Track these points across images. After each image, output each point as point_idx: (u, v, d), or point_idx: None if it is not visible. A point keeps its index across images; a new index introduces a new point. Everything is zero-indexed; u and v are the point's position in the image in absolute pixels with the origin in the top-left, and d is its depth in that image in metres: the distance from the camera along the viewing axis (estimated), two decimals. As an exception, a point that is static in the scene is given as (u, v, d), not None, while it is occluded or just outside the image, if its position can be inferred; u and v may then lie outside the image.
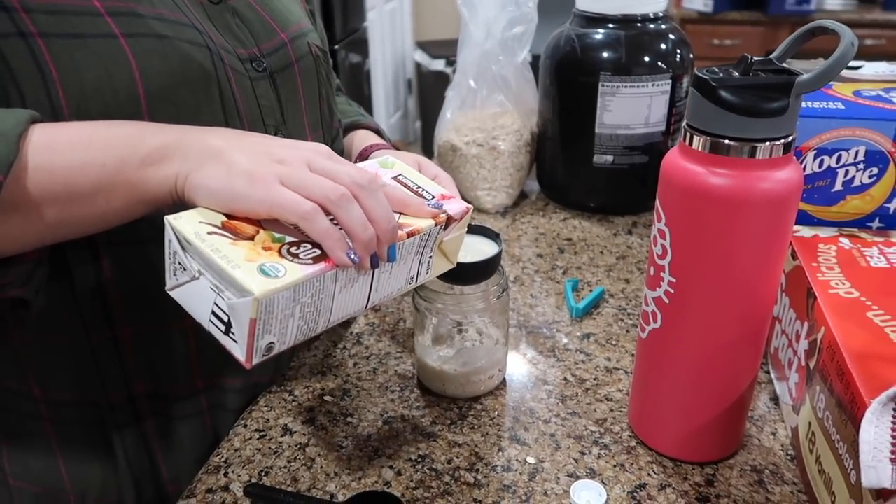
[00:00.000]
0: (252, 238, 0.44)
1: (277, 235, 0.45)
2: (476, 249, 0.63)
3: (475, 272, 0.61)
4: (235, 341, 0.43)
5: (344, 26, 2.77)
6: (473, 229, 0.64)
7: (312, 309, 0.46)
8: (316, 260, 0.44)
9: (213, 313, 0.44)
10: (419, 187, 0.54)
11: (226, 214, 0.45)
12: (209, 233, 0.44)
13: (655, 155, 0.97)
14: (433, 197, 0.54)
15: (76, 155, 0.45)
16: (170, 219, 0.44)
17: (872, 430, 0.41)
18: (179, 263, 0.45)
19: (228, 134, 0.48)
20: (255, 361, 0.44)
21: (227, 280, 0.42)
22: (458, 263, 0.57)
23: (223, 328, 0.43)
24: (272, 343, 0.44)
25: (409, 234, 0.49)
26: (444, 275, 0.57)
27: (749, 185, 0.47)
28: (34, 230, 0.46)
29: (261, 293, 0.41)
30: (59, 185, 0.45)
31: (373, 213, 0.46)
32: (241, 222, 0.45)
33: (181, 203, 0.46)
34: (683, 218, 0.49)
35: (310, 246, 0.45)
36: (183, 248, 0.44)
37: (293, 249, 0.45)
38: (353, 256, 0.45)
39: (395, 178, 0.55)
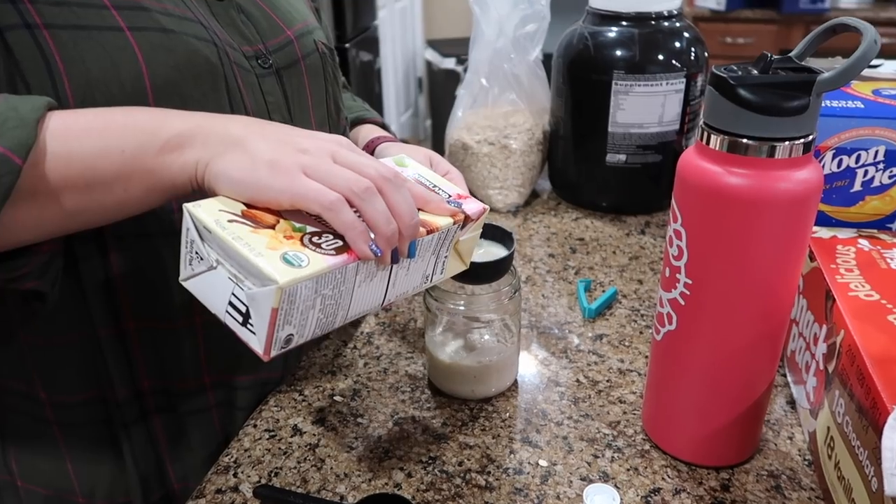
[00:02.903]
0: (273, 227, 0.44)
1: (298, 225, 0.45)
2: (488, 250, 0.62)
3: (487, 272, 0.60)
4: (253, 332, 0.42)
5: (354, 24, 2.77)
6: (486, 229, 0.63)
7: (332, 302, 0.45)
8: (338, 251, 0.44)
9: (231, 304, 0.43)
10: (435, 186, 0.54)
11: (246, 204, 0.45)
12: (229, 221, 0.43)
13: (669, 154, 0.96)
14: (449, 196, 0.53)
15: (94, 141, 0.45)
16: (188, 206, 0.43)
17: (895, 436, 0.40)
18: (196, 253, 0.44)
19: (250, 122, 0.48)
20: (273, 353, 0.43)
21: (249, 269, 0.41)
22: (471, 263, 0.57)
23: (240, 319, 0.43)
24: (291, 335, 0.44)
25: (429, 231, 0.49)
26: (457, 275, 0.57)
27: (768, 185, 0.46)
28: (51, 218, 0.46)
29: (285, 282, 0.40)
30: (76, 172, 0.44)
31: (397, 207, 0.45)
32: (261, 212, 0.45)
33: (200, 191, 0.46)
34: (700, 219, 0.49)
35: (331, 237, 0.45)
36: (201, 236, 0.43)
37: (315, 239, 0.44)
38: (374, 248, 0.44)
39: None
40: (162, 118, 0.46)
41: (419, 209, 0.49)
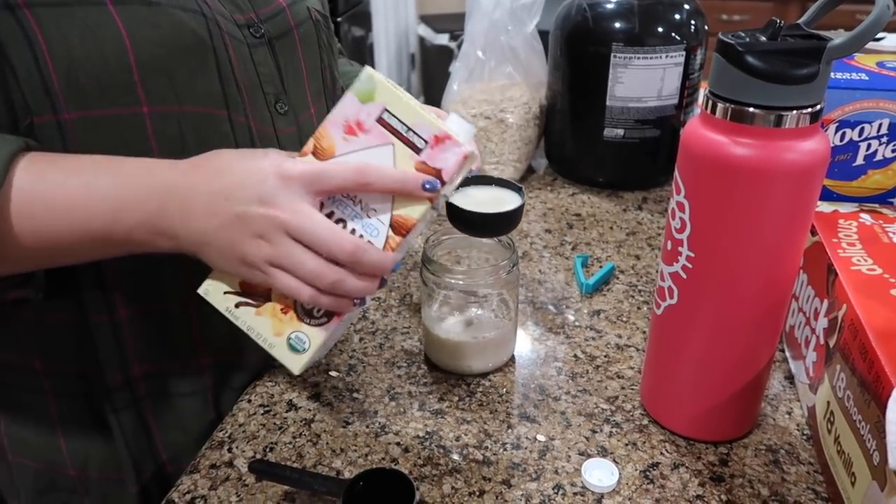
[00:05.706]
0: (268, 297, 0.52)
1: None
2: (498, 200, 0.60)
3: (498, 223, 0.59)
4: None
5: (347, -2, 2.73)
6: (496, 182, 0.62)
7: (333, 337, 0.53)
8: (328, 316, 0.51)
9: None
10: (408, 129, 0.48)
11: None
12: (236, 305, 0.52)
13: (667, 129, 0.95)
14: (425, 143, 0.48)
15: (59, 224, 0.47)
16: (201, 293, 0.52)
17: (900, 410, 0.39)
18: None
19: (205, 199, 0.47)
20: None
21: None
22: (481, 214, 0.56)
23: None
24: (319, 360, 0.55)
25: (406, 232, 0.49)
26: (468, 226, 0.57)
27: (774, 155, 0.45)
28: (22, 269, 0.50)
29: (299, 370, 0.52)
30: (44, 245, 0.47)
31: (367, 272, 0.49)
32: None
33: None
34: (704, 190, 0.48)
35: None
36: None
37: (305, 308, 0.52)
38: (358, 304, 0.51)
39: (378, 118, 0.48)
40: (120, 201, 0.47)
41: (394, 197, 0.48)
